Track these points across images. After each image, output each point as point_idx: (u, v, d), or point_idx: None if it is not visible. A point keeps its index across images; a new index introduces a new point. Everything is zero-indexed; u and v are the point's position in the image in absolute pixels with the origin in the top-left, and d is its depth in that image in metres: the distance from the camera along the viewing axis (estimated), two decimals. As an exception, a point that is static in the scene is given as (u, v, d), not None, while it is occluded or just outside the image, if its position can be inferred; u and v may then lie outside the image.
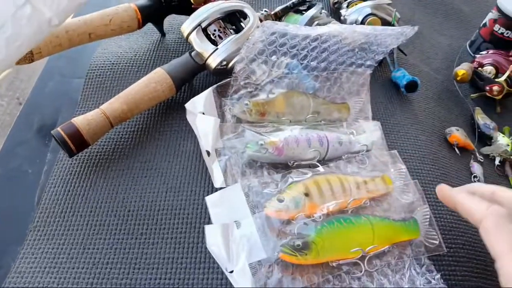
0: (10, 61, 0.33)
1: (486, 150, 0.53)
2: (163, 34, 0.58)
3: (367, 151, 0.45)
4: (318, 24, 0.53)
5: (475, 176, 0.49)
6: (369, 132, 0.47)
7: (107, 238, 0.38)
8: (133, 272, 0.36)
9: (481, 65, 0.60)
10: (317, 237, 0.36)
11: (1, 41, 0.31)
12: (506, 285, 0.29)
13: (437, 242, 0.38)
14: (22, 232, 0.39)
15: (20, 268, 0.36)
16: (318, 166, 0.42)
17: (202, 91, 0.46)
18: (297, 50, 0.47)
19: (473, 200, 0.34)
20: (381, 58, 0.51)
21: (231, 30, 0.50)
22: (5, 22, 0.31)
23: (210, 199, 0.40)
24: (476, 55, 0.62)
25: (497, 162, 0.52)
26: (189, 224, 0.39)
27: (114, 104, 0.43)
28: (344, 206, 0.39)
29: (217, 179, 0.41)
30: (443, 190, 0.38)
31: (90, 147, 0.43)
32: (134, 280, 0.36)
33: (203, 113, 0.44)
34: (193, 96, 0.47)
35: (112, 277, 0.36)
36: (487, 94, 0.58)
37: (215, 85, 0.47)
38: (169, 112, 0.49)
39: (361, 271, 0.37)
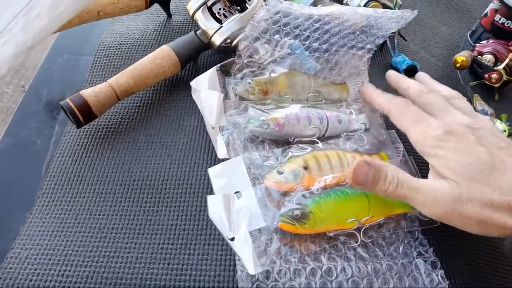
0: (51, 28, 0.34)
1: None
2: (169, 15, 0.59)
3: (366, 130, 0.46)
4: (321, 7, 0.54)
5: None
6: (368, 112, 0.48)
7: (113, 205, 0.40)
8: (138, 237, 0.38)
9: (481, 54, 0.61)
10: (315, 208, 0.37)
11: (44, 7, 0.32)
12: (415, 147, 0.38)
13: (430, 215, 0.40)
14: (31, 198, 0.40)
15: (29, 231, 0.38)
16: (318, 143, 0.43)
17: (206, 70, 0.47)
18: (300, 30, 0.48)
19: (383, 96, 0.43)
20: (381, 42, 0.52)
21: (236, 10, 0.51)
22: None
23: (212, 171, 0.41)
24: (476, 44, 0.63)
25: None
26: (192, 194, 0.41)
27: (121, 79, 0.44)
28: (342, 180, 0.40)
29: (221, 150, 0.43)
30: (365, 91, 0.46)
31: (97, 120, 0.45)
32: (138, 244, 0.37)
33: (207, 90, 0.45)
34: (197, 75, 0.48)
35: (117, 241, 0.37)
36: (486, 82, 0.59)
37: (219, 64, 0.48)
38: (174, 89, 0.50)
39: (357, 242, 0.38)
